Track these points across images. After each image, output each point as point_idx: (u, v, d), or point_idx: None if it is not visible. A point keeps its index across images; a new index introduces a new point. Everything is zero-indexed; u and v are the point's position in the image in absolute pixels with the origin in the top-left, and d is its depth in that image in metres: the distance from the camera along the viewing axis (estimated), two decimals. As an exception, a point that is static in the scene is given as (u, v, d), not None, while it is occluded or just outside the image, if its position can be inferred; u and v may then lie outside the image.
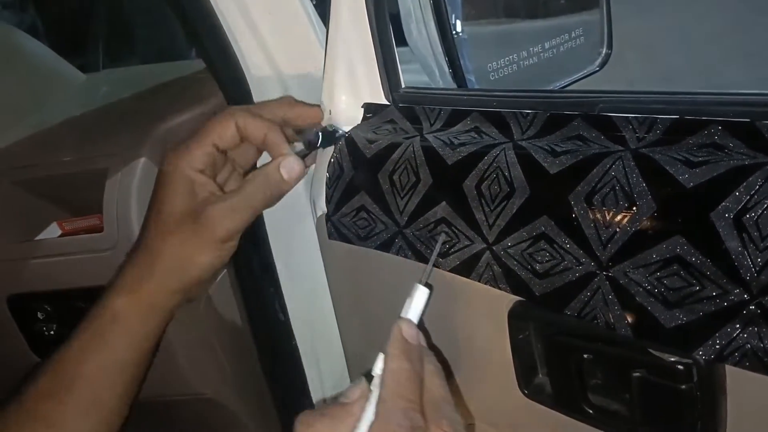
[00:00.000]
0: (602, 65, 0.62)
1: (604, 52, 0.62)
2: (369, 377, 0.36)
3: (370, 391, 0.35)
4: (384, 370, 0.36)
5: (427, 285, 0.40)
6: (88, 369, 0.46)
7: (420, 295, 0.39)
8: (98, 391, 0.47)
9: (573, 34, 0.60)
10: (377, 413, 0.34)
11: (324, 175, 0.55)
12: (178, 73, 0.82)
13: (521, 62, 0.57)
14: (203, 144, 0.46)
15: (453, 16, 0.57)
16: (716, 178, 0.33)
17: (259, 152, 0.51)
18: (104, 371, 0.46)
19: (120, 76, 1.06)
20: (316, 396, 0.72)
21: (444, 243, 0.44)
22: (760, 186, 0.32)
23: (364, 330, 0.58)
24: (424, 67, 0.60)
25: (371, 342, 0.58)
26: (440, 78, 0.58)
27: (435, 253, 0.42)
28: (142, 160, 0.66)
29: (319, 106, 0.54)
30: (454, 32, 0.57)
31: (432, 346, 0.45)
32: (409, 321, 0.38)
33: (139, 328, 0.46)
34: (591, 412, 0.40)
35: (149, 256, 0.46)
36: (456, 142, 0.46)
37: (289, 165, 0.46)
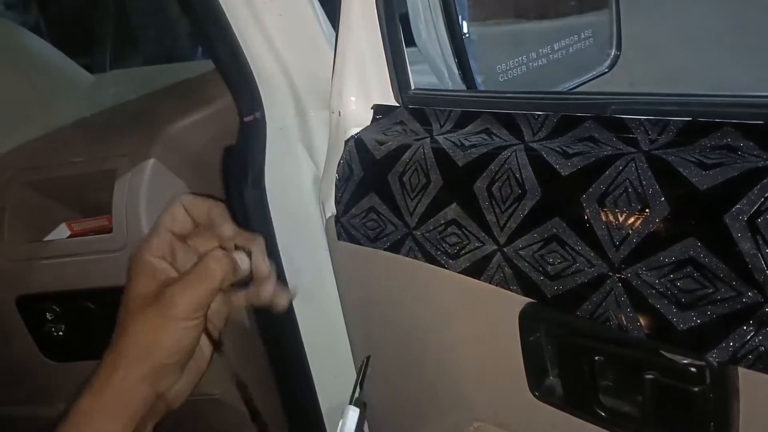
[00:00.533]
0: (611, 67, 0.62)
1: (613, 53, 0.62)
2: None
3: None
4: None
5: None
6: None
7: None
8: None
9: (582, 36, 0.60)
10: None
11: (333, 177, 0.55)
12: (186, 74, 0.83)
13: (530, 64, 0.57)
14: (159, 232, 0.48)
15: (462, 17, 0.57)
16: (730, 180, 0.33)
17: (218, 239, 0.51)
18: None
19: (128, 77, 1.06)
20: (322, 397, 0.72)
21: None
22: (775, 188, 0.32)
23: (371, 330, 0.58)
24: (433, 69, 0.60)
25: (379, 342, 0.58)
26: (449, 79, 0.58)
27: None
28: (152, 161, 0.66)
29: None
30: (463, 34, 0.57)
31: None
32: None
33: (108, 427, 0.45)
34: (603, 413, 0.40)
35: (121, 342, 0.46)
36: (466, 143, 0.46)
37: (258, 262, 0.48)
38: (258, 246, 0.48)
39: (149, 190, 0.66)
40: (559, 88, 0.61)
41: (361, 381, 0.52)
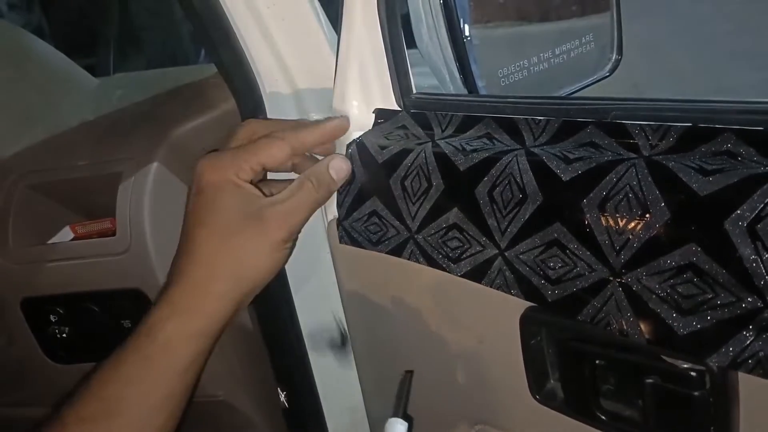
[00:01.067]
0: (612, 71, 0.62)
1: (614, 57, 0.62)
2: None
3: None
4: None
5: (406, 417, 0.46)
6: (132, 395, 0.44)
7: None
8: (141, 420, 0.44)
9: (583, 40, 0.60)
10: None
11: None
12: (190, 77, 0.83)
13: (531, 68, 0.57)
14: (251, 161, 0.46)
15: (463, 21, 0.58)
16: (730, 186, 0.33)
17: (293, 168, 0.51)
18: (148, 400, 0.44)
19: (132, 81, 1.07)
20: (324, 399, 0.72)
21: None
22: (774, 194, 0.32)
23: (373, 333, 0.58)
24: (435, 73, 0.61)
25: (381, 345, 0.58)
26: (451, 83, 0.58)
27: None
28: (155, 164, 0.67)
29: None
30: (464, 38, 0.57)
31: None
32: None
33: (189, 355, 0.45)
34: (603, 417, 0.40)
35: (203, 270, 0.44)
36: (468, 148, 0.46)
37: (338, 165, 0.48)
38: (344, 166, 0.49)
39: (153, 193, 0.66)
40: (561, 93, 0.61)
41: (406, 394, 0.49)
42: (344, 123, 0.52)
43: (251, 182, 0.46)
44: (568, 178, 0.39)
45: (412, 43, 0.60)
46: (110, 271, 0.69)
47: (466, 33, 0.56)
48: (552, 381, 0.43)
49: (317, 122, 0.52)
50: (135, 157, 0.68)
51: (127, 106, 0.83)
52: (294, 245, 0.47)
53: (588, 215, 0.38)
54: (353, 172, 0.53)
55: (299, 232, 0.46)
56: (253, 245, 0.44)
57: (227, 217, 0.44)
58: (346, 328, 0.61)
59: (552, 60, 0.58)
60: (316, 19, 0.59)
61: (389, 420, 0.44)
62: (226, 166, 0.46)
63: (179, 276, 0.45)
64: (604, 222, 0.37)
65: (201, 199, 0.45)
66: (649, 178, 0.36)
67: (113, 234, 0.68)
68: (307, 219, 0.46)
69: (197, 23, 0.58)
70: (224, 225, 0.44)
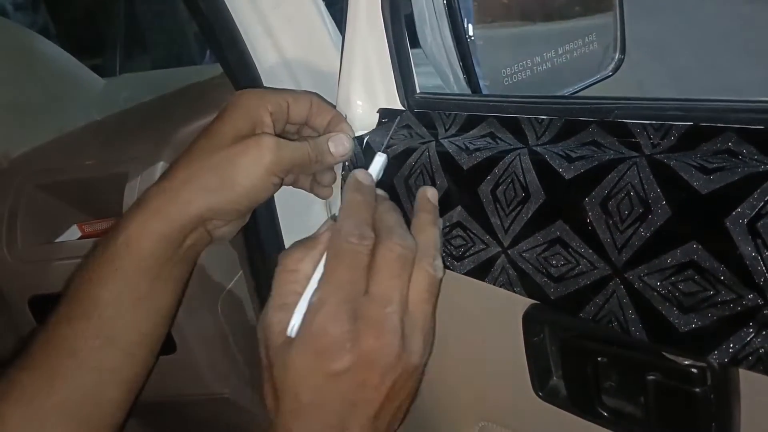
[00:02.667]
0: (615, 70, 0.63)
1: (617, 57, 0.63)
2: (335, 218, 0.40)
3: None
4: (341, 202, 0.40)
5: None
6: (102, 295, 0.45)
7: (378, 159, 0.44)
8: (113, 320, 0.45)
9: (587, 39, 0.61)
10: (331, 231, 0.39)
11: (339, 178, 0.56)
12: (196, 77, 0.84)
13: (535, 67, 0.58)
14: (279, 97, 0.48)
15: (467, 21, 0.58)
16: (731, 185, 0.34)
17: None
18: (118, 299, 0.45)
19: (138, 81, 1.08)
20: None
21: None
22: (774, 192, 0.32)
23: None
24: (439, 72, 0.61)
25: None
26: (454, 83, 0.59)
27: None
28: (161, 164, 0.67)
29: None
30: (468, 37, 0.58)
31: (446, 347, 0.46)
32: (364, 170, 0.42)
33: (151, 256, 0.45)
34: (605, 414, 0.40)
35: (181, 174, 0.45)
36: (471, 147, 0.46)
37: (338, 140, 0.48)
38: (345, 143, 0.49)
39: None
40: (564, 92, 0.61)
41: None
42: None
43: (272, 115, 0.47)
44: (570, 177, 0.40)
45: (415, 43, 0.61)
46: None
47: (470, 33, 0.56)
48: (555, 378, 0.44)
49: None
50: (141, 156, 0.69)
51: (134, 107, 0.84)
52: (276, 186, 0.47)
53: (590, 213, 0.38)
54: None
55: (284, 173, 0.46)
56: (237, 161, 0.44)
57: (226, 131, 0.45)
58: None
59: (555, 60, 0.59)
60: (320, 20, 0.60)
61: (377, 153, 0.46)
62: (256, 95, 0.48)
63: (160, 178, 0.46)
64: (606, 220, 0.38)
65: (220, 113, 0.47)
66: (651, 177, 0.37)
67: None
68: (293, 165, 0.46)
69: (203, 24, 0.59)
70: (220, 137, 0.45)
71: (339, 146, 0.48)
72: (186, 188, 0.44)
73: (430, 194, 0.43)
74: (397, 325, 0.37)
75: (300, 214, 0.63)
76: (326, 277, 0.37)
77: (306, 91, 0.51)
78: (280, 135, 0.48)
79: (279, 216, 0.64)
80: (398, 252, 0.38)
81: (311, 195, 0.66)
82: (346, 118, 0.52)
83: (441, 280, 0.40)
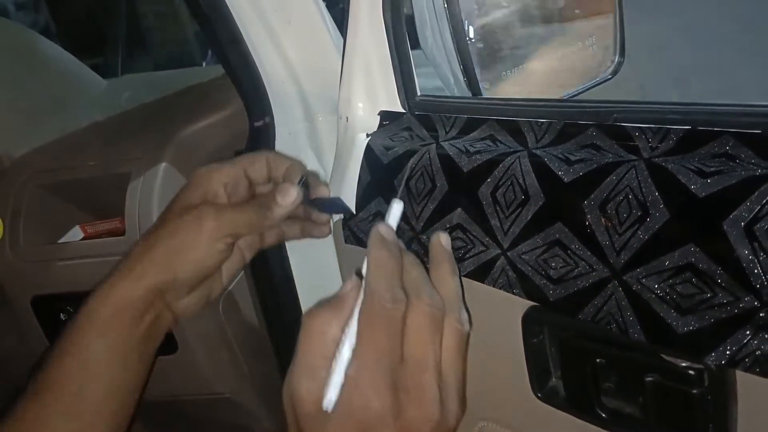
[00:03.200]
0: (614, 73, 0.63)
1: (616, 60, 0.63)
2: (360, 274, 0.40)
3: (361, 283, 0.39)
4: (367, 260, 0.39)
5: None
6: (67, 369, 0.46)
7: (397, 207, 0.43)
8: (79, 392, 0.46)
9: (586, 43, 0.61)
10: (364, 293, 0.38)
11: (340, 181, 0.56)
12: (197, 79, 0.84)
13: (535, 70, 0.58)
14: (235, 166, 0.50)
15: (467, 24, 0.58)
16: (728, 188, 0.34)
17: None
18: (83, 372, 0.46)
19: (140, 82, 1.08)
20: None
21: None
22: (771, 196, 0.33)
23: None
24: (439, 75, 0.61)
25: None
26: (455, 85, 0.59)
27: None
28: (164, 164, 0.68)
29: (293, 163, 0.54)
30: (468, 39, 0.58)
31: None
32: (386, 224, 0.42)
33: (111, 331, 0.46)
34: (604, 415, 0.41)
35: (140, 248, 0.47)
36: (471, 149, 0.47)
37: (283, 190, 0.49)
38: (289, 189, 0.49)
39: (161, 193, 0.67)
40: (563, 95, 0.62)
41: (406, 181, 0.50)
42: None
43: (225, 187, 0.49)
44: (569, 180, 0.40)
45: (416, 44, 0.61)
46: (119, 270, 0.70)
47: (470, 35, 0.57)
48: (554, 379, 0.44)
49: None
50: (143, 157, 0.69)
51: (136, 107, 0.84)
52: (230, 252, 0.48)
53: (589, 216, 0.39)
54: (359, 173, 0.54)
55: (230, 236, 0.48)
56: (180, 234, 0.46)
57: (174, 206, 0.48)
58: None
59: (555, 62, 0.59)
60: (322, 22, 0.60)
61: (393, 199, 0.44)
62: (211, 169, 0.49)
63: (127, 253, 0.48)
64: (604, 223, 0.38)
65: (179, 190, 0.49)
66: (649, 180, 0.37)
67: (122, 233, 0.69)
68: (239, 228, 0.48)
69: (205, 25, 0.59)
70: (169, 212, 0.47)
71: (285, 197, 0.49)
72: (138, 263, 0.47)
73: (444, 241, 0.42)
74: (436, 390, 0.36)
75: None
76: (363, 347, 0.36)
77: (262, 152, 0.52)
78: (251, 198, 0.51)
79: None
80: (429, 313, 0.37)
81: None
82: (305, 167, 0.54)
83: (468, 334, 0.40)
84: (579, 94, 0.63)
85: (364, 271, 0.39)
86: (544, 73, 0.59)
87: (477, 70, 0.57)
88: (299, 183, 0.51)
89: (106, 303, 0.46)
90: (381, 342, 0.36)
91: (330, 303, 0.39)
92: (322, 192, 0.53)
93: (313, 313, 0.38)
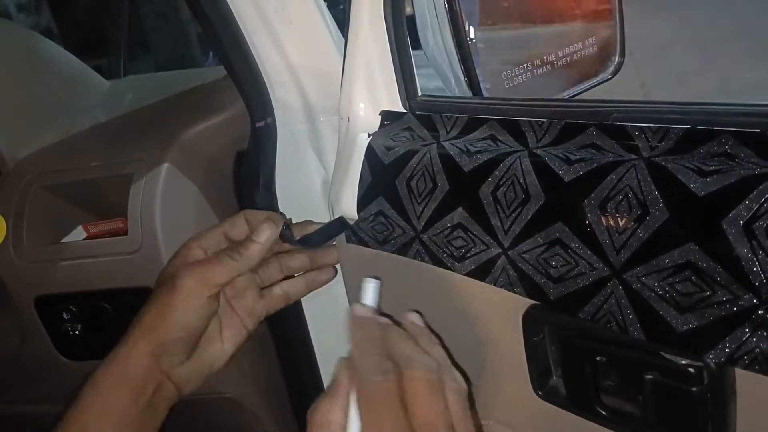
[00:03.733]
0: (615, 73, 0.63)
1: (617, 60, 0.63)
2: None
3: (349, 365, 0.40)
4: (351, 345, 0.40)
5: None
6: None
7: (371, 286, 0.45)
8: None
9: (586, 43, 0.61)
10: (356, 374, 0.38)
11: (341, 181, 0.56)
12: (199, 80, 0.85)
13: (535, 70, 0.58)
14: (215, 231, 0.52)
15: (468, 25, 0.58)
16: (727, 187, 0.34)
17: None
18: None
19: (142, 83, 1.08)
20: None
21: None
22: (770, 194, 0.33)
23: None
24: (440, 75, 0.62)
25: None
26: (456, 86, 0.59)
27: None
28: (166, 165, 0.68)
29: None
30: (469, 40, 0.58)
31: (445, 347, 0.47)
32: (360, 304, 0.43)
33: (115, 401, 0.47)
34: (604, 413, 0.41)
35: (134, 322, 0.49)
36: (472, 149, 0.47)
37: (259, 229, 0.51)
38: (264, 228, 0.51)
39: (163, 193, 0.68)
40: (564, 95, 0.62)
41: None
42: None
43: (207, 251, 0.51)
44: (569, 179, 0.40)
45: (417, 45, 0.61)
46: (122, 270, 0.71)
47: (471, 35, 0.57)
48: (554, 377, 0.44)
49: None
50: (146, 158, 0.69)
51: (138, 109, 0.85)
52: (215, 306, 0.50)
53: (589, 215, 0.39)
54: (360, 172, 0.54)
55: (214, 287, 0.49)
56: (163, 298, 0.48)
57: (162, 274, 0.50)
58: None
59: (555, 63, 0.59)
60: (323, 23, 0.60)
61: (364, 279, 0.46)
62: (194, 238, 0.52)
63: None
64: (604, 222, 0.38)
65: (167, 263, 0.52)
66: (649, 179, 0.37)
67: (125, 233, 0.70)
68: (219, 278, 0.49)
69: (206, 26, 0.59)
70: (159, 281, 0.50)
71: (259, 234, 0.51)
72: (131, 336, 0.48)
73: (415, 319, 0.44)
74: None
75: (303, 215, 0.64)
76: (368, 426, 0.36)
77: (238, 212, 0.54)
78: None
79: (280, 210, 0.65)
80: (426, 378, 0.37)
81: (314, 198, 0.66)
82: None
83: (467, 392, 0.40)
84: (580, 93, 0.63)
85: None
86: (545, 73, 0.59)
87: (478, 71, 0.57)
88: (282, 227, 0.52)
89: (107, 373, 0.48)
90: (383, 416, 0.36)
91: (327, 392, 0.39)
92: (307, 230, 0.55)
93: (313, 407, 0.39)
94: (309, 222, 0.56)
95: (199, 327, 0.49)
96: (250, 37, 0.59)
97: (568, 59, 0.60)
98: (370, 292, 0.44)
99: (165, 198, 0.68)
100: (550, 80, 0.60)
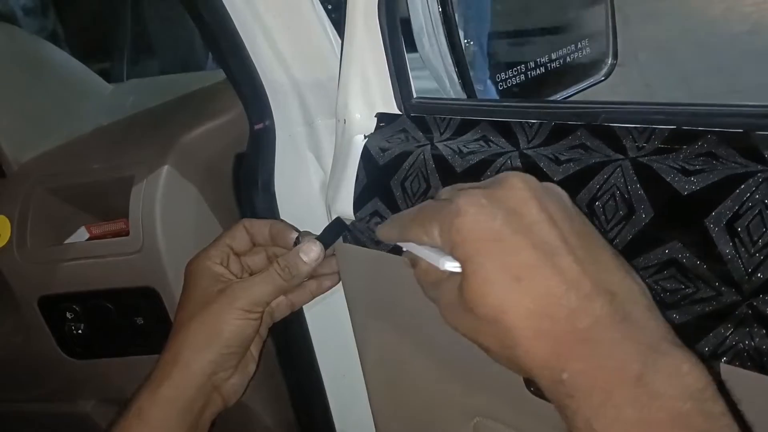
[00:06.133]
0: (608, 75, 0.64)
1: (609, 62, 0.64)
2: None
3: None
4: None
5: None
6: None
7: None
8: None
9: (579, 45, 0.62)
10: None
11: (338, 182, 0.57)
12: (200, 83, 0.86)
13: (529, 72, 0.59)
14: (219, 245, 0.53)
15: (462, 28, 0.59)
16: (711, 186, 0.35)
17: (269, 260, 0.55)
18: None
19: (144, 87, 1.10)
20: (331, 394, 0.74)
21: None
22: (752, 194, 0.34)
23: (377, 330, 0.60)
24: (435, 78, 0.63)
25: (385, 341, 0.60)
26: (450, 88, 0.60)
27: None
28: (166, 167, 0.69)
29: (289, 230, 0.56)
30: (466, 43, 0.59)
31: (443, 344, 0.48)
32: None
33: (160, 421, 0.48)
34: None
35: (176, 343, 0.50)
36: (465, 150, 0.48)
37: (307, 248, 0.52)
38: (312, 246, 0.52)
39: (164, 195, 0.69)
40: (558, 96, 0.63)
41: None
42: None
43: (221, 264, 0.52)
44: (558, 179, 0.41)
45: (413, 48, 0.62)
46: (124, 270, 0.72)
47: (465, 39, 0.58)
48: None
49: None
50: (147, 161, 0.70)
51: (139, 112, 0.86)
52: (262, 314, 0.51)
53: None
54: (357, 173, 0.55)
55: (265, 303, 0.51)
56: (216, 315, 0.49)
57: (197, 295, 0.51)
58: (351, 323, 0.63)
59: (549, 65, 0.60)
60: (320, 27, 0.61)
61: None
62: (200, 255, 0.53)
63: (162, 354, 0.51)
64: (592, 221, 0.39)
65: (184, 284, 0.53)
66: (635, 179, 0.38)
67: (127, 234, 0.71)
68: (272, 294, 0.51)
69: (205, 31, 0.60)
70: (194, 303, 0.51)
71: (310, 253, 0.52)
72: (182, 352, 0.49)
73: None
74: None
75: (301, 215, 0.65)
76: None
77: (237, 223, 0.55)
78: (244, 266, 0.54)
79: (281, 217, 0.66)
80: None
81: (312, 199, 0.67)
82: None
83: None
84: (573, 95, 0.64)
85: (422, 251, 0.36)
86: (539, 76, 0.60)
87: (471, 73, 0.58)
88: (297, 239, 0.54)
89: (156, 397, 0.48)
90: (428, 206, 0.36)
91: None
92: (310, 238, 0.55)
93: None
94: (307, 233, 0.56)
95: (251, 340, 0.51)
96: (247, 40, 0.60)
97: (562, 61, 0.61)
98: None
99: (165, 199, 0.69)
100: (544, 82, 0.61)
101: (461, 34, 0.59)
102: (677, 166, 0.37)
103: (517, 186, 0.32)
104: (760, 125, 0.36)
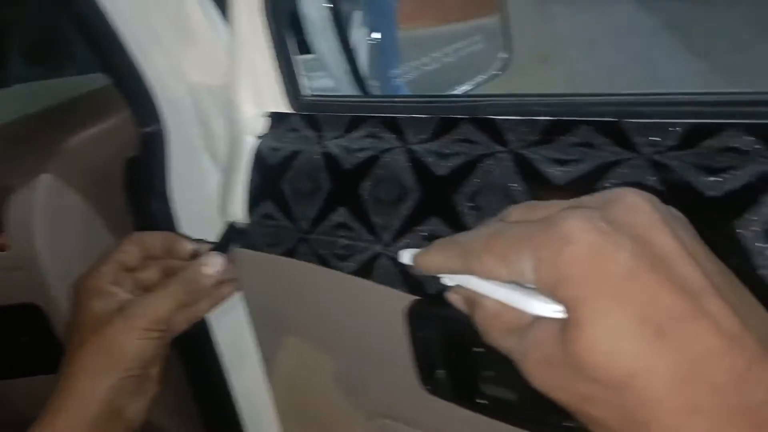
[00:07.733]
0: (503, 69, 0.65)
1: (503, 56, 0.65)
2: None
3: None
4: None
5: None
6: None
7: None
8: None
9: (472, 40, 0.62)
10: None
11: (231, 184, 0.55)
12: (89, 86, 0.80)
13: (422, 67, 0.59)
14: (108, 262, 0.49)
15: (368, 25, 0.58)
16: (584, 175, 0.36)
17: (164, 273, 0.52)
18: None
19: (30, 92, 1.02)
20: (243, 404, 0.71)
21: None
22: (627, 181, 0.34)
23: (277, 332, 0.58)
24: (332, 76, 0.61)
25: (286, 344, 0.58)
26: (346, 86, 0.59)
27: None
28: (46, 176, 0.64)
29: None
30: (370, 40, 0.58)
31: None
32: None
33: None
34: (485, 402, 0.41)
35: (69, 369, 0.46)
36: (353, 147, 0.47)
37: (208, 260, 0.49)
38: (213, 258, 0.49)
39: (45, 205, 0.64)
40: (455, 90, 0.63)
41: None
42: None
43: (113, 283, 0.49)
44: (442, 173, 0.41)
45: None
46: (4, 287, 0.66)
47: (356, 37, 0.57)
48: (439, 371, 0.44)
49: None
50: (25, 169, 0.65)
51: (20, 118, 0.79)
52: (160, 336, 0.48)
53: (460, 208, 0.39)
54: (248, 175, 0.53)
55: (165, 320, 0.47)
56: (117, 334, 0.46)
57: (91, 316, 0.47)
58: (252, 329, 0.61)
59: (442, 59, 0.60)
60: (208, 24, 0.58)
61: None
62: (89, 274, 0.49)
63: (57, 381, 0.47)
64: (475, 213, 0.39)
65: (74, 305, 0.48)
66: (514, 170, 0.38)
67: (4, 249, 0.65)
68: (173, 309, 0.47)
69: (81, 30, 0.56)
70: (89, 323, 0.47)
71: (212, 265, 0.49)
72: (76, 379, 0.45)
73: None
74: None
75: (195, 220, 0.62)
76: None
77: (127, 238, 0.51)
78: (137, 282, 0.50)
79: (180, 225, 0.63)
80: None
81: (210, 202, 0.64)
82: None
83: None
84: (471, 89, 0.64)
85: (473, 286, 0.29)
86: (434, 71, 0.60)
87: (365, 70, 0.57)
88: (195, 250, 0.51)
89: (53, 428, 0.44)
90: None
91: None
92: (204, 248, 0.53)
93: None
94: (201, 241, 0.53)
95: (153, 361, 0.48)
96: (128, 37, 0.57)
97: (455, 56, 0.61)
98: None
99: (47, 210, 0.64)
100: (440, 77, 0.60)
101: (367, 28, 0.58)
102: (554, 157, 0.37)
103: (642, 208, 0.25)
104: (630, 113, 0.37)
